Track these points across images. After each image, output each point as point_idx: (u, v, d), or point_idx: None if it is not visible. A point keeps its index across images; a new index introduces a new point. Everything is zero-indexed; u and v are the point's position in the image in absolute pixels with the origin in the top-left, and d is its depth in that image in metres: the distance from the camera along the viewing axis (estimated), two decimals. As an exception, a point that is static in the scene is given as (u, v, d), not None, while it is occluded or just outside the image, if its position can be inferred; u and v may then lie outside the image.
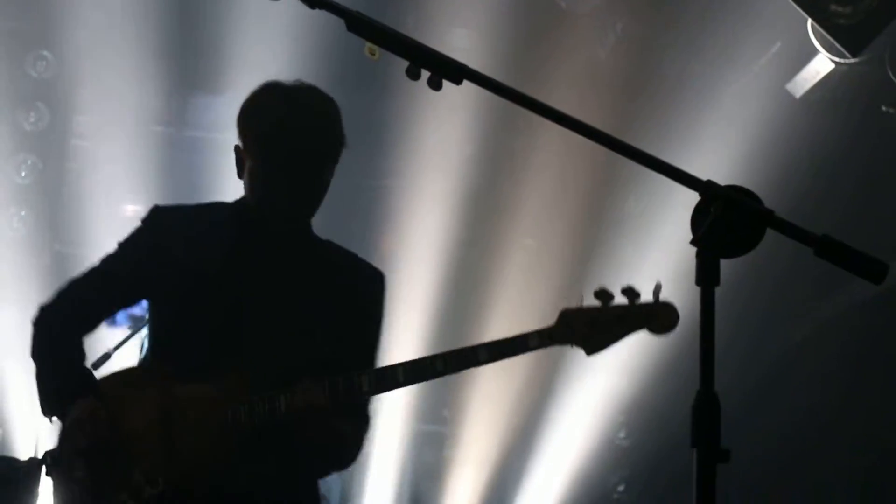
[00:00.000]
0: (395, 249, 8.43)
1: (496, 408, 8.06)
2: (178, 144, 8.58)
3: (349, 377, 3.24)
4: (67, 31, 8.20)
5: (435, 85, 2.42)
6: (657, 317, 3.29)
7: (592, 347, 3.29)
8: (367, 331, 3.51)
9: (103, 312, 3.53)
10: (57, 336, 3.45)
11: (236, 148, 3.46)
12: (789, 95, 7.62)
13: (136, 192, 7.80)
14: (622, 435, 8.52)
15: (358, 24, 2.40)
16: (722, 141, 7.38)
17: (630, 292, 3.27)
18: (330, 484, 6.25)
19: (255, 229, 3.45)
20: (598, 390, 8.10)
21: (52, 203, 8.16)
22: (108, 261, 3.51)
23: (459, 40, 7.86)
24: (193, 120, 8.79)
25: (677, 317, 3.28)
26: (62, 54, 8.32)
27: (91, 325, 3.51)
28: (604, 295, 3.27)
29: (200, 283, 3.38)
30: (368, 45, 2.40)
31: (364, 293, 3.52)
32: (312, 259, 3.51)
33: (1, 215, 8.20)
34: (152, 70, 8.20)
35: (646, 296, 3.31)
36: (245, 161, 3.42)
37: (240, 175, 3.46)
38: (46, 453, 3.31)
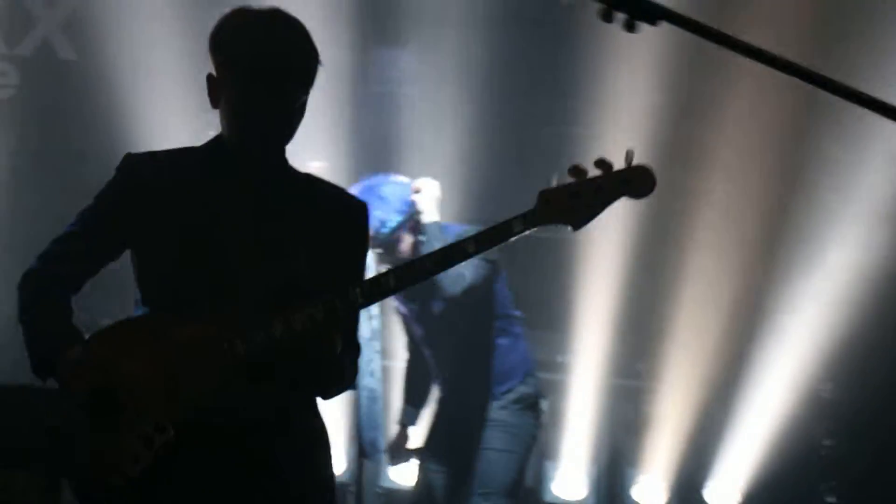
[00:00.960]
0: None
1: (693, 362, 7.98)
2: (362, 100, 8.58)
3: (342, 291, 3.21)
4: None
5: (630, 27, 2.33)
6: (633, 181, 3.30)
7: (576, 221, 3.29)
8: (353, 259, 3.51)
9: (89, 268, 3.45)
10: (43, 298, 3.38)
11: (210, 77, 3.40)
12: None
13: (321, 149, 7.81)
14: (827, 387, 8.29)
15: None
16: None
17: (603, 163, 3.29)
18: (530, 439, 6.24)
19: (232, 163, 3.39)
20: (799, 341, 7.93)
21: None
22: (86, 215, 3.45)
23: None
24: (377, 74, 8.77)
25: (653, 178, 3.29)
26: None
27: (78, 283, 3.45)
28: (577, 171, 3.29)
29: (181, 224, 3.33)
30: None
31: (348, 223, 3.50)
32: (293, 190, 3.46)
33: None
34: (333, 25, 8.21)
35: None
36: (221, 90, 3.36)
37: (215, 105, 3.40)
38: (48, 425, 3.27)
